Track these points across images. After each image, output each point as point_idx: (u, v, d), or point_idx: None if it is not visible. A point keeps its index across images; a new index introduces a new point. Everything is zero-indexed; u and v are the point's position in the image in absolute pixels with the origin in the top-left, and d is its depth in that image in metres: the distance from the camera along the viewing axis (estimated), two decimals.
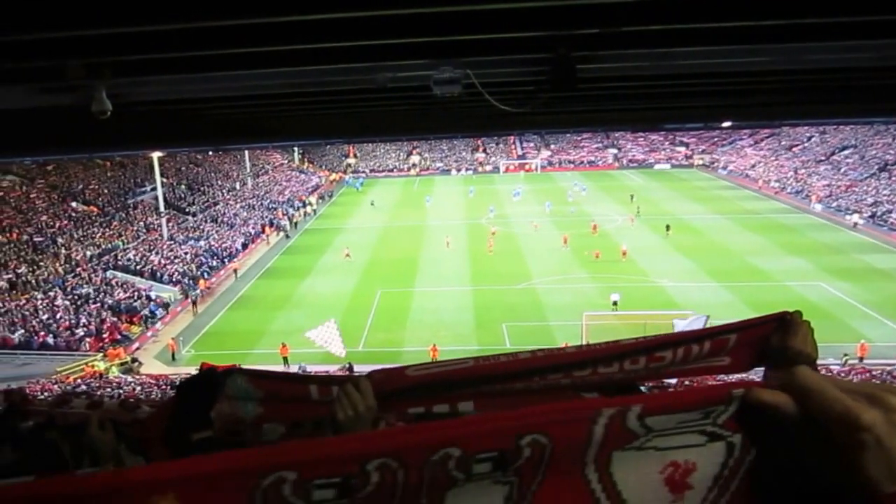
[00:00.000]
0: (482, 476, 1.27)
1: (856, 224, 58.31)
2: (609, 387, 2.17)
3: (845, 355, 31.19)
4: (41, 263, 44.63)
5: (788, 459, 1.20)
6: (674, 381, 13.99)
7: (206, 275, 49.56)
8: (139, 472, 1.19)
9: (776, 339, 2.13)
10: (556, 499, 1.31)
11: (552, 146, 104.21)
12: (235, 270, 51.71)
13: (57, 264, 45.21)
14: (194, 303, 43.28)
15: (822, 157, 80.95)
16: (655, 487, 1.30)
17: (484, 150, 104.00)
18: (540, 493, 1.31)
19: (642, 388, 2.73)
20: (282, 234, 64.46)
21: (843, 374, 26.80)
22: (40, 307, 40.39)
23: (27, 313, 39.43)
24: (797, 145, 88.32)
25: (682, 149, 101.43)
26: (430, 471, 1.23)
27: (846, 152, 79.23)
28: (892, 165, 70.35)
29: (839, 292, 41.40)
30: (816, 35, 6.82)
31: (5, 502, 1.18)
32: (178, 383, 2.50)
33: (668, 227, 58.09)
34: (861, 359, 31.78)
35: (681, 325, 30.34)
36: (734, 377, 1.77)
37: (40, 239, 47.53)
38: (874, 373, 29.00)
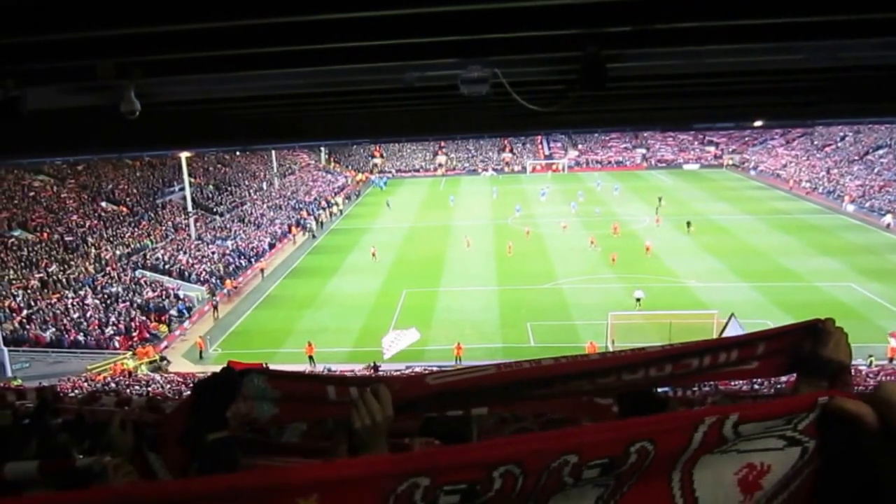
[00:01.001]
0: (588, 481, 1.33)
1: (889, 225, 57.69)
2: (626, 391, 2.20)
3: (870, 356, 30.85)
4: (72, 263, 45.19)
5: (861, 471, 1.23)
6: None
7: (233, 275, 49.85)
8: (291, 472, 1.25)
9: (808, 346, 2.08)
10: (640, 499, 1.37)
11: (580, 146, 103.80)
12: (262, 270, 52.02)
13: (87, 263, 45.77)
14: (215, 307, 43.53)
15: (856, 157, 79.96)
16: (727, 488, 1.35)
17: (511, 150, 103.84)
18: (629, 493, 1.37)
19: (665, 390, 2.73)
20: (308, 233, 64.70)
21: (870, 376, 26.48)
22: (71, 306, 40.90)
23: (58, 312, 39.92)
24: (830, 145, 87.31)
25: (712, 149, 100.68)
26: (546, 477, 1.29)
27: (880, 152, 78.29)
28: None
29: (870, 293, 40.99)
30: (851, 31, 6.71)
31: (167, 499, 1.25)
32: (195, 383, 2.48)
33: (689, 224, 58.32)
34: (891, 359, 31.53)
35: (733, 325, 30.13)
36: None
37: (71, 238, 48.11)
38: None
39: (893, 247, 51.94)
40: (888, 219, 58.50)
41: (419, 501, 1.24)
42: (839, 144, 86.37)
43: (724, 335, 27.38)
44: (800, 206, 69.87)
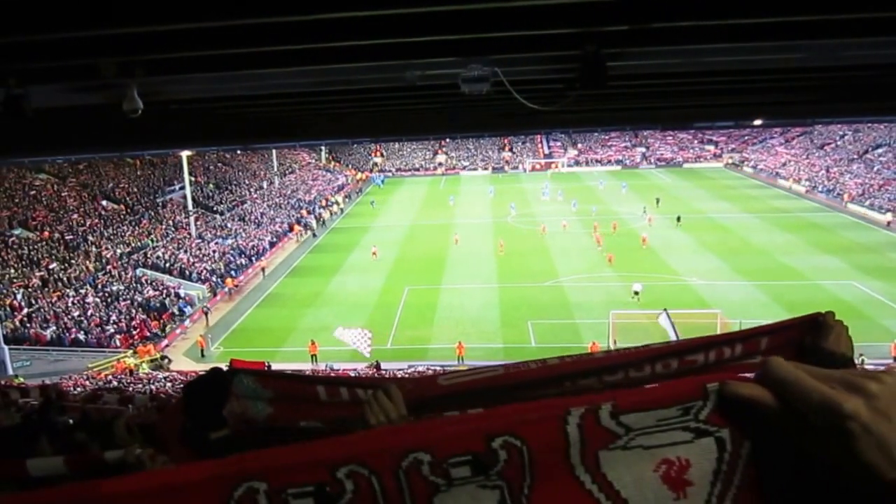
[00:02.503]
0: (465, 481, 1.24)
1: (889, 223, 57.79)
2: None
3: (861, 355, 30.87)
4: (72, 261, 45.19)
5: (785, 449, 1.19)
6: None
7: (233, 273, 49.89)
8: (106, 484, 1.18)
9: (809, 340, 2.12)
10: (554, 501, 1.28)
11: (579, 145, 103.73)
12: (263, 269, 51.97)
13: (88, 262, 45.75)
14: (206, 313, 42.76)
15: (855, 156, 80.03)
16: (654, 486, 1.28)
17: (510, 149, 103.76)
18: (534, 497, 1.28)
19: None
20: (309, 232, 64.72)
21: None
22: (72, 304, 40.91)
23: (59, 310, 39.91)
24: (829, 143, 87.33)
25: (711, 147, 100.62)
26: (405, 477, 1.21)
27: (880, 150, 78.34)
28: None
29: (872, 291, 41.00)
30: (851, 31, 6.73)
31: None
32: (185, 384, 2.50)
33: (678, 219, 59.38)
34: (895, 358, 31.35)
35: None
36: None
37: (71, 237, 48.10)
38: None
39: (893, 245, 51.99)
40: (888, 216, 58.65)
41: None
42: (838, 143, 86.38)
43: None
44: (800, 204, 69.88)
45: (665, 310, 31.51)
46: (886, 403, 0.99)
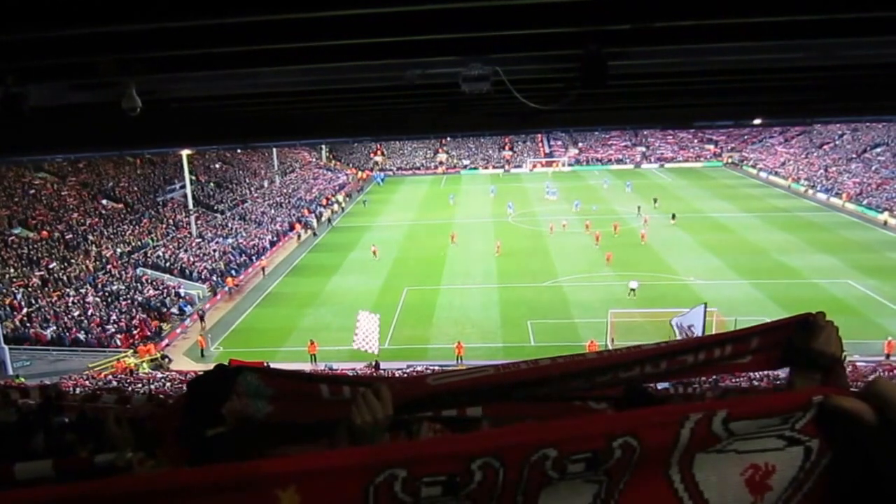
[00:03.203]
0: (575, 475, 1.34)
1: (886, 222, 58.35)
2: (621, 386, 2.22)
3: (844, 353, 31.02)
4: (72, 260, 45.18)
5: (864, 464, 1.23)
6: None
7: (234, 272, 49.87)
8: (266, 464, 1.27)
9: (799, 340, 2.10)
10: (642, 497, 1.38)
11: (580, 144, 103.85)
12: (263, 268, 51.96)
13: (88, 261, 45.75)
14: (202, 318, 42.01)
15: (854, 155, 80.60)
16: (736, 488, 1.36)
17: (511, 148, 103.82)
18: (627, 491, 1.37)
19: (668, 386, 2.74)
20: (309, 231, 64.75)
21: (865, 374, 26.55)
22: (72, 304, 40.87)
23: (59, 310, 39.89)
24: (828, 143, 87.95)
25: (711, 146, 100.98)
26: (528, 470, 1.30)
27: (878, 150, 78.97)
28: None
29: (867, 289, 41.43)
30: (849, 30, 6.73)
31: (139, 491, 1.26)
32: (189, 381, 2.51)
33: (673, 216, 60.14)
34: (888, 355, 31.67)
35: (677, 320, 30.43)
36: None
37: (71, 236, 48.10)
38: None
39: (890, 244, 52.48)
40: (885, 216, 59.30)
41: (400, 492, 1.26)
42: (837, 142, 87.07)
43: (684, 318, 27.80)
44: (798, 203, 70.35)
45: (705, 304, 31.74)
46: None
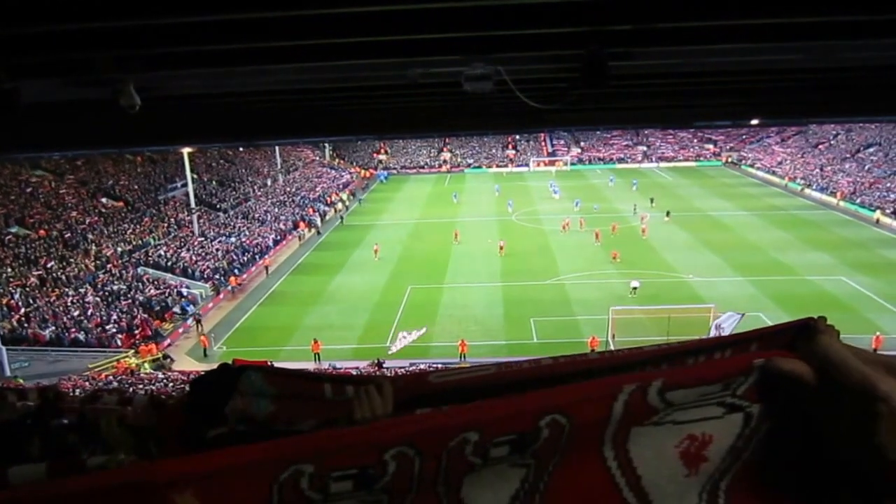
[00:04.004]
0: (499, 460, 1.26)
1: (878, 220, 60.10)
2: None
3: None
4: (71, 260, 45.17)
5: (804, 429, 1.21)
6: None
7: (237, 271, 49.94)
8: (158, 467, 1.19)
9: (800, 344, 2.08)
10: (573, 478, 1.30)
11: (582, 143, 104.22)
12: (266, 267, 52.06)
13: (87, 261, 45.73)
14: (198, 322, 41.43)
15: (848, 155, 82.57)
16: (671, 462, 1.30)
17: (514, 147, 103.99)
18: (556, 474, 1.30)
19: None
20: (313, 230, 64.84)
21: None
22: (71, 304, 40.80)
23: (58, 310, 39.83)
24: (823, 143, 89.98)
25: (711, 146, 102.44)
26: (447, 457, 1.23)
27: (871, 149, 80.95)
28: None
29: (860, 286, 42.62)
30: (846, 33, 6.77)
31: (22, 502, 1.19)
32: (192, 380, 2.47)
33: (668, 213, 61.82)
34: (875, 350, 32.11)
35: (717, 322, 30.78)
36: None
37: (70, 235, 48.11)
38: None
39: (882, 241, 54.01)
40: (877, 214, 61.07)
41: (307, 489, 1.19)
42: (832, 142, 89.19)
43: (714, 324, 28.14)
44: (795, 202, 71.73)
45: (743, 313, 32.39)
46: None
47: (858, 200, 66.80)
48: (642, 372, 1.27)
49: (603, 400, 1.24)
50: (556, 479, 1.30)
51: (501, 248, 52.71)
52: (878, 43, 7.08)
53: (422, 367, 30.78)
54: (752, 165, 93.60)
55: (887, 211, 61.12)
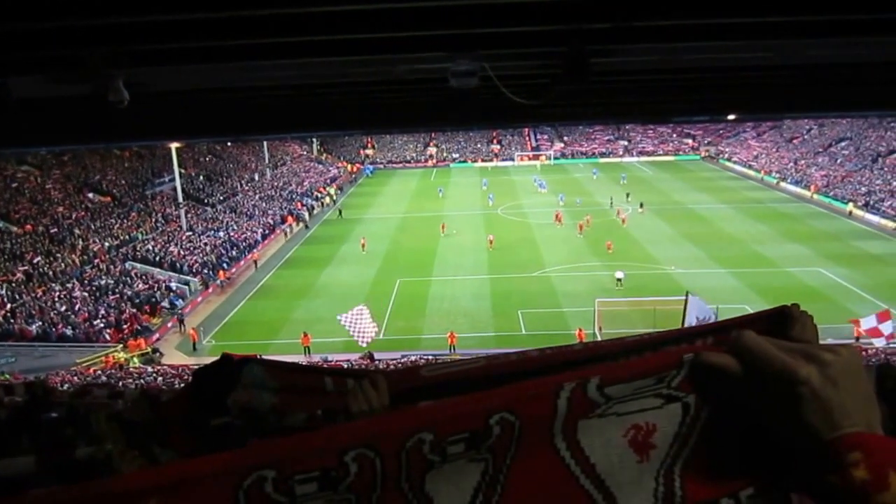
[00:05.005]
0: (457, 456, 1.31)
1: (850, 213, 61.36)
2: None
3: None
4: (58, 255, 44.88)
5: (743, 416, 1.30)
6: None
7: (225, 265, 49.80)
8: (119, 481, 1.21)
9: (776, 331, 2.20)
10: (531, 469, 1.37)
11: (565, 138, 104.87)
12: (255, 261, 51.89)
13: (74, 256, 45.44)
14: (181, 321, 40.73)
15: (821, 149, 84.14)
16: (621, 450, 1.37)
17: (499, 142, 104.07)
18: (514, 466, 1.36)
19: None
20: (301, 224, 64.67)
21: None
22: (58, 299, 40.53)
23: (45, 305, 39.57)
24: (797, 137, 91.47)
25: (690, 140, 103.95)
26: (406, 457, 1.27)
27: (843, 144, 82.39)
28: (884, 156, 73.76)
29: (837, 277, 43.41)
30: (817, 32, 6.95)
31: None
32: (195, 371, 2.56)
33: (641, 205, 63.39)
34: (857, 338, 32.66)
35: (693, 301, 30.63)
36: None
37: (56, 230, 47.78)
38: (869, 352, 29.80)
39: (855, 233, 55.03)
40: (850, 206, 62.36)
41: (272, 493, 1.20)
42: (805, 137, 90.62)
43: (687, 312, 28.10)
44: (771, 195, 72.83)
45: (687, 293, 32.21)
46: (836, 372, 1.12)
47: (832, 193, 68.46)
48: (581, 370, 1.37)
49: (546, 397, 1.30)
50: (515, 470, 1.36)
51: (491, 241, 52.66)
52: (847, 41, 7.28)
53: (413, 358, 30.86)
54: (729, 159, 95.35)
55: (859, 203, 62.37)
